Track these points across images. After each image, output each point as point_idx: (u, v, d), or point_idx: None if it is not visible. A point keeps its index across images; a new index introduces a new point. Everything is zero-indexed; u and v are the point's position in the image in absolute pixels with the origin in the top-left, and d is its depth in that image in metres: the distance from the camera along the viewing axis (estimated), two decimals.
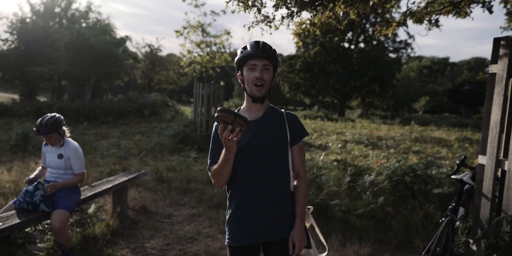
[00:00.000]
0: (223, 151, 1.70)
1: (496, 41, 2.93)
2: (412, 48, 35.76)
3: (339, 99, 33.45)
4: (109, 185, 4.25)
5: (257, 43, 1.82)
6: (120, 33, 76.62)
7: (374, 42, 32.65)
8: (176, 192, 6.00)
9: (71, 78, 20.94)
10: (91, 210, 4.22)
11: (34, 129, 3.38)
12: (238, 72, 1.86)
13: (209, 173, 1.86)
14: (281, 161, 1.84)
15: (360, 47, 33.17)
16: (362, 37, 32.74)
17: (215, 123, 1.91)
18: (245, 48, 1.83)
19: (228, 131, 1.58)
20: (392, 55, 34.74)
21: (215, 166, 1.80)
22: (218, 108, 1.58)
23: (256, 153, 1.84)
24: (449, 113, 35.33)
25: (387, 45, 34.25)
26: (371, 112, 41.66)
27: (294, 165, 1.91)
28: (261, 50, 1.79)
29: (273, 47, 1.85)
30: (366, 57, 30.26)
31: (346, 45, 32.93)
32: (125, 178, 4.70)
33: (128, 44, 25.71)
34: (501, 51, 2.88)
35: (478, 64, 52.34)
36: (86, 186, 4.20)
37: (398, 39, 34.50)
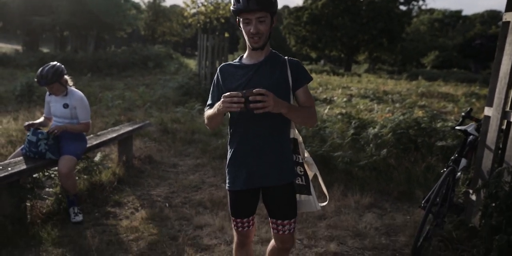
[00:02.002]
0: (219, 105, 1.64)
1: None
2: (423, 0, 34.20)
3: (346, 53, 32.68)
4: (115, 134, 4.28)
5: None
6: None
7: None
8: (180, 143, 6.06)
9: (73, 28, 20.46)
10: (97, 158, 4.28)
11: (35, 79, 3.32)
12: (236, 20, 1.79)
13: (204, 113, 1.88)
14: None
15: None
16: None
17: (218, 68, 1.91)
18: (237, 0, 1.71)
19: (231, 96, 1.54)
20: (402, 8, 33.42)
21: (209, 111, 1.81)
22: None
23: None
24: (458, 68, 34.57)
25: None
26: (378, 67, 40.88)
27: (302, 104, 1.84)
28: (252, 2, 1.66)
29: None
30: (375, 9, 29.10)
31: None
32: (130, 128, 4.72)
33: None
34: None
35: (492, 17, 50.22)
36: (92, 135, 4.23)
37: None
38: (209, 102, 1.92)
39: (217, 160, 5.25)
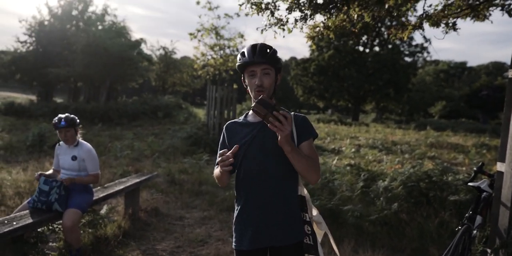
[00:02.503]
0: (219, 167, 1.72)
1: None
2: (428, 52, 35.42)
3: (353, 103, 33.21)
4: (122, 187, 4.28)
5: (253, 47, 1.78)
6: (135, 35, 77.65)
7: (389, 46, 32.36)
8: (188, 194, 6.01)
9: (87, 79, 21.30)
10: (103, 211, 4.25)
11: (54, 122, 3.41)
12: (242, 76, 1.86)
13: (214, 170, 1.94)
14: (287, 164, 1.76)
15: (375, 50, 32.92)
16: (377, 40, 32.49)
17: (224, 127, 1.97)
18: (242, 54, 1.80)
19: (226, 163, 1.66)
20: (407, 59, 34.41)
21: (216, 171, 1.86)
22: (259, 98, 1.57)
23: (259, 156, 1.81)
24: (466, 119, 34.71)
25: (402, 49, 33.91)
26: (386, 116, 41.24)
27: None
28: (258, 56, 1.74)
29: (272, 48, 1.80)
30: (381, 61, 30.02)
31: (361, 48, 32.72)
32: (138, 180, 4.73)
33: (143, 46, 26.04)
34: None
35: (496, 68, 51.36)
36: (99, 187, 4.24)
37: (414, 43, 34.19)
38: (217, 160, 1.95)
39: (224, 213, 5.17)
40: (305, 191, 1.93)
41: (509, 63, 3.08)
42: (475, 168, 3.37)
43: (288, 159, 1.73)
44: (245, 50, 1.80)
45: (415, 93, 39.18)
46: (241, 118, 1.97)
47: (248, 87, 1.83)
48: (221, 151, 1.74)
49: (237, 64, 1.84)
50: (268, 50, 1.78)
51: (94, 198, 3.65)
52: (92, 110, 17.12)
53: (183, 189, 6.21)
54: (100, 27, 23.71)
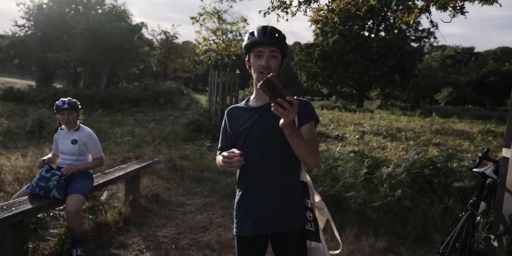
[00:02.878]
0: (221, 161, 1.68)
1: None
2: (435, 37, 34.96)
3: (357, 90, 33.04)
4: (122, 173, 4.30)
5: (264, 28, 1.77)
6: (135, 19, 76.97)
7: (395, 31, 31.97)
8: (189, 181, 6.04)
9: (87, 65, 21.23)
10: (103, 197, 4.28)
11: (57, 104, 3.41)
12: (246, 57, 1.85)
13: (216, 156, 1.94)
14: (288, 149, 1.72)
15: (380, 35, 32.55)
16: (383, 25, 32.08)
17: (226, 112, 1.95)
18: (252, 34, 1.79)
19: (228, 162, 1.61)
20: (414, 45, 34.03)
21: (219, 159, 1.83)
22: (267, 76, 1.49)
23: (260, 141, 1.79)
24: (473, 105, 34.55)
25: (409, 34, 33.51)
26: (391, 103, 41.07)
27: None
28: (268, 37, 1.74)
29: (282, 32, 1.79)
30: (386, 46, 29.71)
31: (366, 33, 32.35)
32: (138, 166, 4.75)
33: (143, 31, 25.81)
34: None
35: (504, 54, 50.75)
36: (99, 173, 4.26)
37: (420, 28, 33.71)
38: (219, 145, 1.96)
39: (226, 199, 5.20)
40: (308, 177, 1.92)
41: None
42: (480, 154, 3.36)
43: (289, 144, 1.70)
44: (255, 30, 1.79)
45: (421, 79, 38.89)
46: (243, 102, 1.95)
47: (252, 68, 1.81)
48: (228, 152, 1.65)
49: (244, 43, 1.83)
50: (278, 34, 1.77)
51: (94, 184, 3.67)
52: (92, 96, 17.09)
53: (185, 176, 6.24)
54: (99, 11, 23.48)
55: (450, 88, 38.87)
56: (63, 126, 3.56)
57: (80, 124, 3.59)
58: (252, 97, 1.93)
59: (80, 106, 3.56)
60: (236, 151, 1.65)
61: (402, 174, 4.78)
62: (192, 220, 4.39)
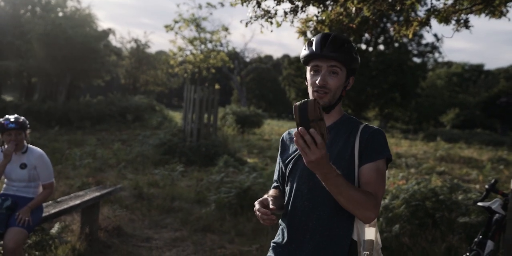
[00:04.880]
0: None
1: None
2: (440, 52, 35.97)
3: (353, 109, 33.52)
4: (78, 201, 4.23)
5: (324, 37, 1.63)
6: (102, 25, 77.37)
7: (396, 44, 32.85)
8: (157, 211, 5.98)
9: (43, 75, 21.06)
10: (54, 230, 4.18)
11: (2, 123, 3.34)
12: (306, 69, 1.73)
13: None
14: None
15: (379, 49, 33.37)
16: (382, 38, 32.97)
17: (282, 136, 1.89)
18: (310, 43, 1.66)
19: (260, 212, 1.59)
20: (416, 60, 34.94)
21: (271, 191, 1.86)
22: (309, 99, 1.36)
23: (305, 176, 1.65)
24: (482, 129, 35.29)
25: (410, 48, 34.48)
26: (391, 125, 41.72)
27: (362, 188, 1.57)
28: (328, 48, 1.59)
29: (349, 42, 1.65)
30: (386, 61, 30.43)
31: (363, 47, 33.14)
32: (98, 193, 4.68)
33: (111, 38, 25.97)
34: None
35: None
36: (50, 202, 4.18)
37: (424, 42, 34.76)
38: (274, 177, 1.93)
39: (199, 233, 5.15)
40: (367, 235, 1.62)
41: None
42: (487, 186, 3.43)
43: (347, 178, 1.50)
44: (314, 38, 1.66)
45: (424, 98, 39.75)
46: None
47: (308, 85, 1.69)
48: (262, 204, 1.66)
49: (301, 54, 1.70)
50: (343, 44, 1.62)
51: (44, 214, 3.59)
52: (48, 111, 16.93)
53: (152, 205, 6.16)
54: (60, 14, 23.50)
55: (457, 109, 39.72)
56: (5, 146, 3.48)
57: (28, 145, 3.54)
58: None
59: (28, 125, 3.50)
60: (271, 203, 1.61)
61: (400, 206, 4.83)
62: None
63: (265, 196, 1.75)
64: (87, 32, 20.98)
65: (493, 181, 3.46)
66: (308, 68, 1.67)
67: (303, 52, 1.67)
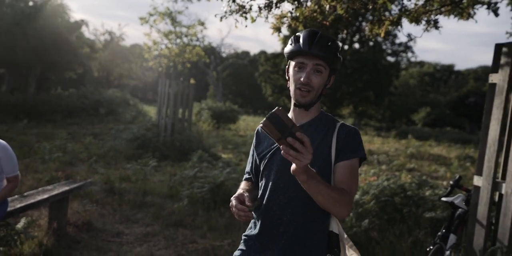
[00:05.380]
0: (231, 202, 1.64)
1: (498, 48, 3.03)
2: (413, 52, 36.60)
3: (328, 106, 33.86)
4: (46, 196, 4.15)
5: (312, 34, 1.63)
6: (75, 16, 75.62)
7: (371, 43, 33.30)
8: (128, 206, 5.92)
9: (11, 66, 20.43)
10: (20, 225, 4.09)
11: None
12: (287, 65, 1.74)
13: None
14: None
15: (354, 48, 33.76)
16: (357, 37, 33.36)
17: (257, 129, 1.87)
18: (297, 38, 1.65)
19: (237, 208, 1.57)
20: (390, 59, 35.49)
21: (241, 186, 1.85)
22: (272, 111, 1.32)
23: (281, 172, 1.67)
24: (452, 127, 36.23)
25: (385, 47, 34.98)
26: (365, 122, 42.30)
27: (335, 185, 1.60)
28: (316, 46, 1.59)
29: (335, 41, 1.66)
30: (361, 60, 30.80)
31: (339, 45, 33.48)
32: (67, 188, 4.61)
33: (84, 29, 25.45)
34: (503, 59, 2.98)
35: (486, 73, 53.80)
36: (16, 196, 4.09)
37: (397, 41, 35.30)
38: (246, 168, 1.93)
39: (172, 228, 5.13)
40: (339, 228, 1.69)
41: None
42: (451, 182, 3.53)
43: (322, 175, 1.54)
44: (301, 34, 1.65)
45: (397, 97, 40.46)
46: None
47: (290, 81, 1.69)
48: (239, 199, 1.63)
49: (286, 49, 1.70)
50: (329, 43, 1.63)
51: (9, 209, 3.52)
52: (17, 103, 16.53)
53: (123, 200, 6.10)
54: (30, 3, 22.80)
55: (428, 108, 40.60)
56: None
57: None
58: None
59: None
60: (247, 199, 1.59)
61: (370, 202, 4.93)
62: (129, 252, 4.29)
63: (240, 190, 1.73)
64: (59, 23, 20.47)
65: (457, 177, 3.58)
66: (293, 63, 1.67)
67: (289, 47, 1.66)
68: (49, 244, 4.08)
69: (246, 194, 1.64)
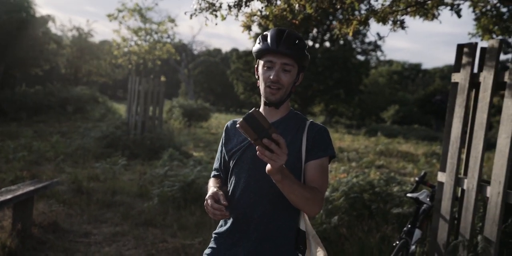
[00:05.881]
0: (206, 201, 1.63)
1: (460, 48, 3.13)
2: (382, 51, 37.34)
3: (300, 104, 34.13)
4: (9, 196, 4.03)
5: (279, 33, 1.64)
6: (41, 11, 73.49)
7: (341, 42, 33.73)
8: (97, 206, 5.83)
9: None
10: None
11: None
12: (255, 64, 1.74)
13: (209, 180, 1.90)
14: None
15: (325, 46, 34.11)
16: (328, 35, 33.72)
17: (225, 126, 1.87)
18: (264, 37, 1.66)
19: (214, 208, 1.56)
20: (360, 58, 36.05)
21: (209, 183, 1.83)
22: (249, 112, 1.34)
23: (252, 170, 1.69)
24: (419, 125, 37.16)
25: (355, 46, 35.50)
26: (336, 120, 42.88)
27: (306, 183, 1.64)
28: (283, 44, 1.60)
29: (302, 39, 1.67)
30: (331, 58, 31.16)
31: (310, 43, 33.75)
32: (32, 188, 4.49)
33: (50, 25, 24.76)
34: (464, 59, 3.08)
35: (451, 72, 55.27)
36: None
37: (367, 40, 35.90)
38: (214, 165, 1.92)
39: (141, 228, 5.08)
40: (308, 225, 1.74)
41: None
42: (416, 179, 3.63)
43: (293, 173, 1.56)
44: (268, 33, 1.66)
45: (367, 95, 41.15)
46: None
47: (260, 80, 1.70)
48: (213, 198, 1.61)
49: (254, 48, 1.70)
50: (297, 41, 1.64)
51: None
52: None
53: (92, 200, 6.00)
54: None
55: (397, 106, 41.51)
56: None
57: None
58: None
59: None
60: (222, 198, 1.59)
61: (339, 198, 5.00)
62: (98, 253, 4.22)
63: (212, 188, 1.72)
64: (24, 18, 19.83)
65: (422, 173, 3.67)
66: (262, 62, 1.68)
67: (257, 46, 1.67)
68: (13, 246, 3.97)
69: (220, 192, 1.64)
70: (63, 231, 4.76)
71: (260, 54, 1.67)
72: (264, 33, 1.70)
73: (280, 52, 1.60)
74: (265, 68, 1.65)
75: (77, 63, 28.91)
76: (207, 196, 1.65)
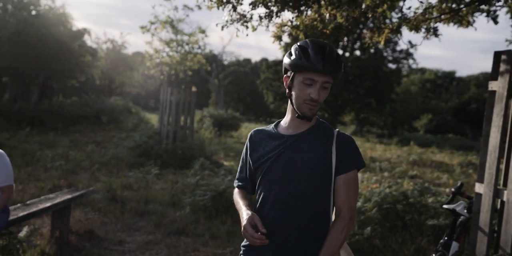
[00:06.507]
0: (243, 215, 1.65)
1: (497, 55, 3.05)
2: (414, 59, 36.69)
3: (330, 113, 33.88)
4: (48, 204, 4.16)
5: (321, 49, 1.60)
6: (77, 24, 76.02)
7: (372, 50, 33.40)
8: (130, 214, 5.92)
9: (14, 74, 20.55)
10: (22, 233, 4.10)
11: None
12: (285, 73, 1.70)
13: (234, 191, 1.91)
14: (318, 196, 1.64)
15: (355, 55, 33.85)
16: (358, 44, 33.47)
17: (249, 135, 1.87)
18: (305, 52, 1.60)
19: (255, 237, 1.56)
20: (391, 66, 35.56)
21: (236, 201, 1.84)
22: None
23: (282, 180, 1.67)
24: (454, 134, 36.18)
25: (386, 54, 35.07)
26: (367, 129, 42.29)
27: (336, 201, 1.64)
28: (328, 63, 1.57)
29: (339, 55, 1.66)
30: (362, 67, 30.86)
31: (340, 52, 33.58)
32: (69, 196, 4.62)
33: (86, 38, 25.52)
34: (502, 67, 3.00)
35: (487, 79, 53.71)
36: (19, 204, 4.11)
37: (398, 48, 35.41)
38: (237, 174, 1.92)
39: (173, 236, 5.13)
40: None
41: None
42: (453, 189, 3.53)
43: (320, 190, 1.63)
44: (309, 49, 1.60)
45: (399, 104, 40.46)
46: (271, 126, 1.83)
47: (294, 94, 1.66)
48: (250, 222, 1.61)
49: (290, 61, 1.64)
50: (337, 57, 1.62)
51: (12, 217, 3.53)
52: (19, 111, 16.60)
53: (126, 208, 6.10)
54: (33, 12, 22.97)
55: (430, 114, 40.59)
56: None
57: None
58: (283, 121, 1.81)
59: None
60: (259, 225, 1.57)
61: (372, 209, 4.92)
62: None
63: (244, 210, 1.70)
64: (61, 32, 20.60)
65: (459, 184, 3.57)
66: (300, 77, 1.62)
67: (297, 61, 1.60)
68: (51, 253, 4.08)
69: (256, 217, 1.61)
70: (98, 239, 4.86)
71: (300, 69, 1.61)
72: (300, 44, 1.64)
73: (323, 72, 1.58)
74: (305, 85, 1.61)
75: (111, 74, 29.68)
76: (244, 223, 1.61)
